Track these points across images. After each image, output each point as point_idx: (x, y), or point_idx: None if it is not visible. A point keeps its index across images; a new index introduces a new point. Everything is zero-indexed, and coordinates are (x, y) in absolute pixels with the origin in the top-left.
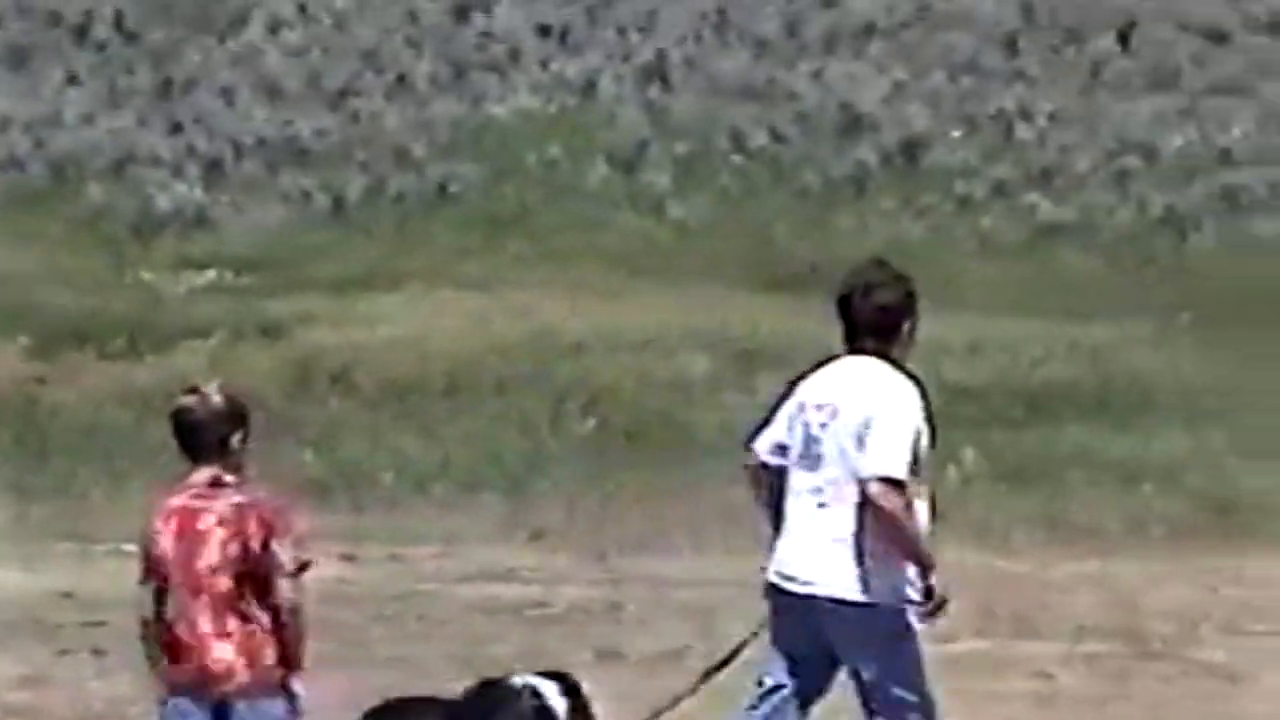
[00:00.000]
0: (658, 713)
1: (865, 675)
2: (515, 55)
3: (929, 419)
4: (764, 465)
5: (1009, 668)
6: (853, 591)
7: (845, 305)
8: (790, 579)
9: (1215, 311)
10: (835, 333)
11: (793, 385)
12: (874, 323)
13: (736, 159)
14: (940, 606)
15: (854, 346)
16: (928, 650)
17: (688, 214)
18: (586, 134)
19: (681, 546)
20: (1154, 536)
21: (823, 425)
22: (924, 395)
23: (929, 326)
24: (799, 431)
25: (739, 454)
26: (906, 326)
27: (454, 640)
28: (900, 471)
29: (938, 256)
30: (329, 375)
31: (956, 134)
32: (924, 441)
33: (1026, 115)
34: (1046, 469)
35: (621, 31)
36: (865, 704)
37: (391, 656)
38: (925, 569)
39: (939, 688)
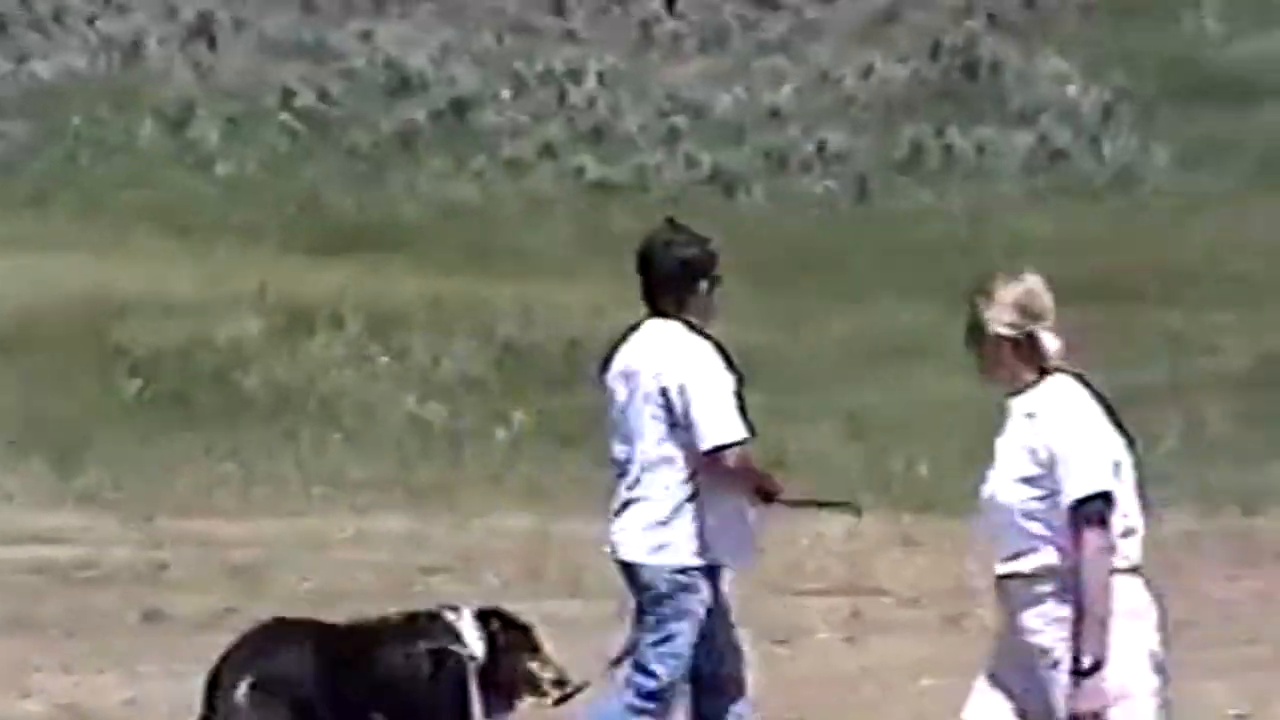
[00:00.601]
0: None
1: (635, 635)
2: (60, 14)
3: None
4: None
5: (560, 628)
6: (641, 554)
7: (645, 262)
8: (612, 548)
9: (764, 270)
10: (385, 293)
11: (605, 364)
12: (673, 277)
13: (285, 118)
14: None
15: (654, 309)
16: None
17: (236, 173)
18: (134, 93)
19: (229, 508)
20: None
21: (629, 394)
22: (726, 357)
23: (477, 287)
24: (615, 405)
25: (287, 416)
26: (704, 284)
27: (2, 601)
28: (735, 433)
29: (488, 217)
30: None
31: (506, 94)
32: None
33: (576, 75)
34: (596, 429)
35: None
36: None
37: None
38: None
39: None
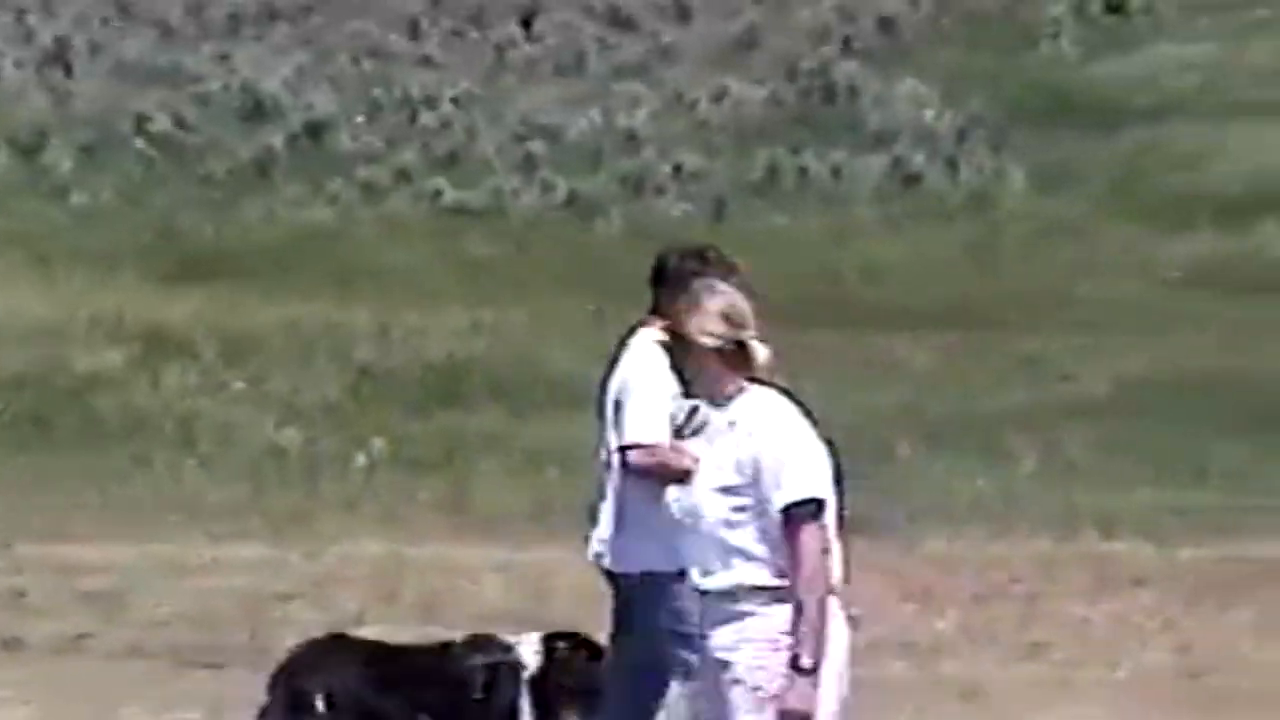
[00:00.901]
0: None
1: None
2: None
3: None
4: None
5: None
6: (613, 563)
7: (656, 270)
8: (597, 557)
9: (621, 295)
10: (241, 318)
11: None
12: (674, 288)
13: (140, 144)
14: None
15: (650, 314)
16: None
17: (91, 200)
18: None
19: (87, 533)
20: (559, 522)
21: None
22: None
23: (334, 312)
24: None
25: (143, 442)
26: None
27: None
28: (639, 435)
29: (344, 241)
30: None
31: (361, 118)
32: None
33: (431, 100)
34: (453, 455)
35: (21, 15)
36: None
37: None
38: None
39: None
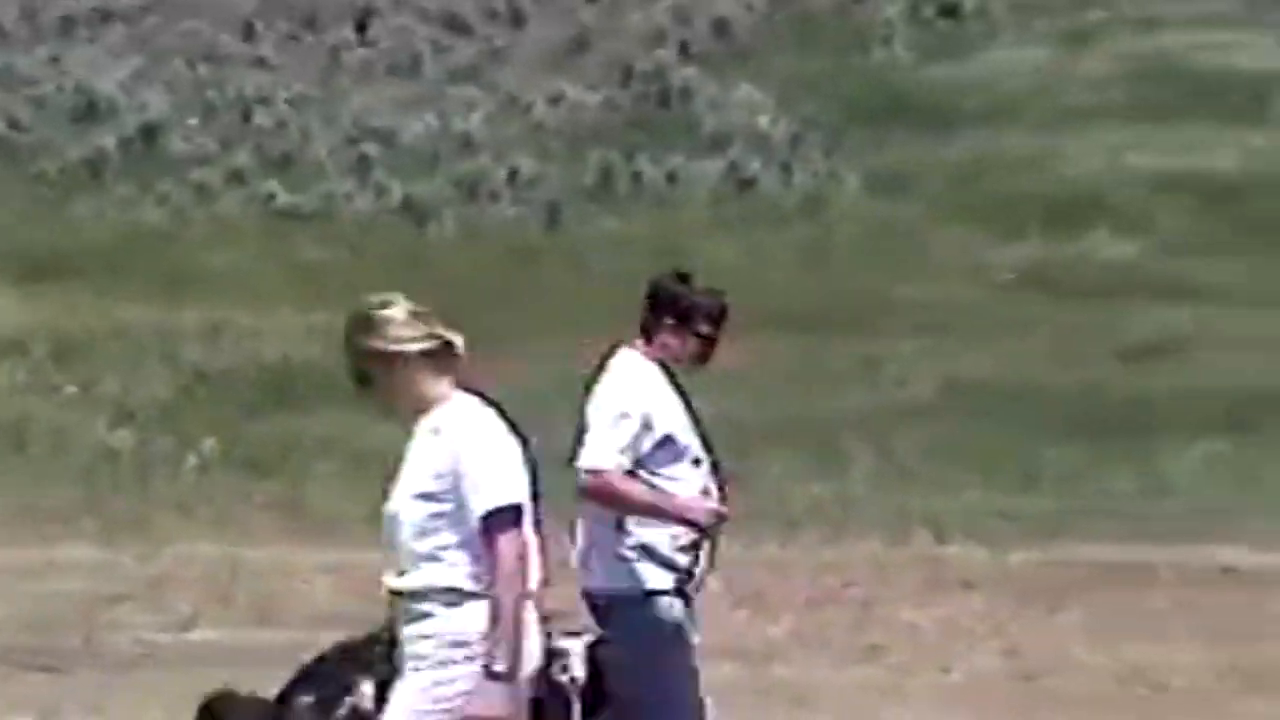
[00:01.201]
0: None
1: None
2: None
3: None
4: None
5: (247, 656)
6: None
7: (654, 293)
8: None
9: (454, 299)
10: (71, 320)
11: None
12: (651, 306)
13: None
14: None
15: (638, 338)
16: (167, 640)
17: None
18: None
19: None
20: None
21: None
22: (674, 381)
23: (165, 313)
24: None
25: None
26: (670, 321)
27: None
28: (591, 461)
29: (176, 243)
30: None
31: (194, 120)
32: (659, 423)
33: (265, 101)
34: (288, 456)
35: None
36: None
37: None
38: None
39: (182, 676)
